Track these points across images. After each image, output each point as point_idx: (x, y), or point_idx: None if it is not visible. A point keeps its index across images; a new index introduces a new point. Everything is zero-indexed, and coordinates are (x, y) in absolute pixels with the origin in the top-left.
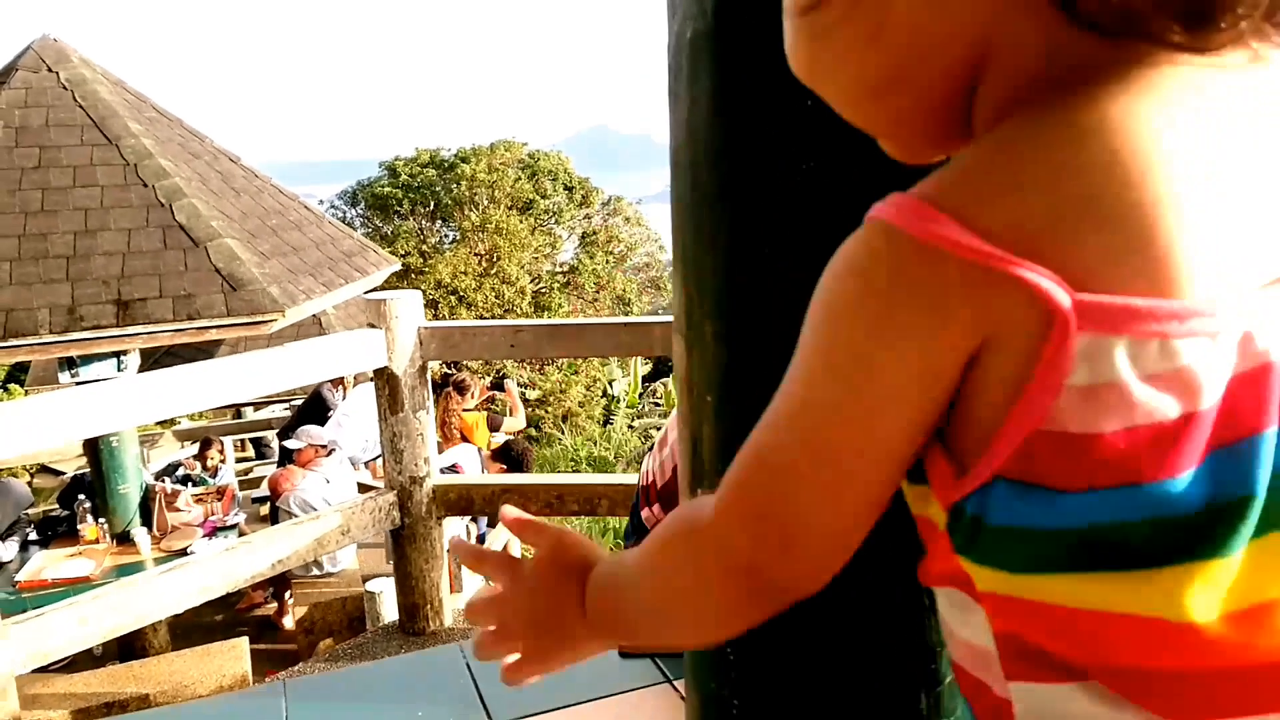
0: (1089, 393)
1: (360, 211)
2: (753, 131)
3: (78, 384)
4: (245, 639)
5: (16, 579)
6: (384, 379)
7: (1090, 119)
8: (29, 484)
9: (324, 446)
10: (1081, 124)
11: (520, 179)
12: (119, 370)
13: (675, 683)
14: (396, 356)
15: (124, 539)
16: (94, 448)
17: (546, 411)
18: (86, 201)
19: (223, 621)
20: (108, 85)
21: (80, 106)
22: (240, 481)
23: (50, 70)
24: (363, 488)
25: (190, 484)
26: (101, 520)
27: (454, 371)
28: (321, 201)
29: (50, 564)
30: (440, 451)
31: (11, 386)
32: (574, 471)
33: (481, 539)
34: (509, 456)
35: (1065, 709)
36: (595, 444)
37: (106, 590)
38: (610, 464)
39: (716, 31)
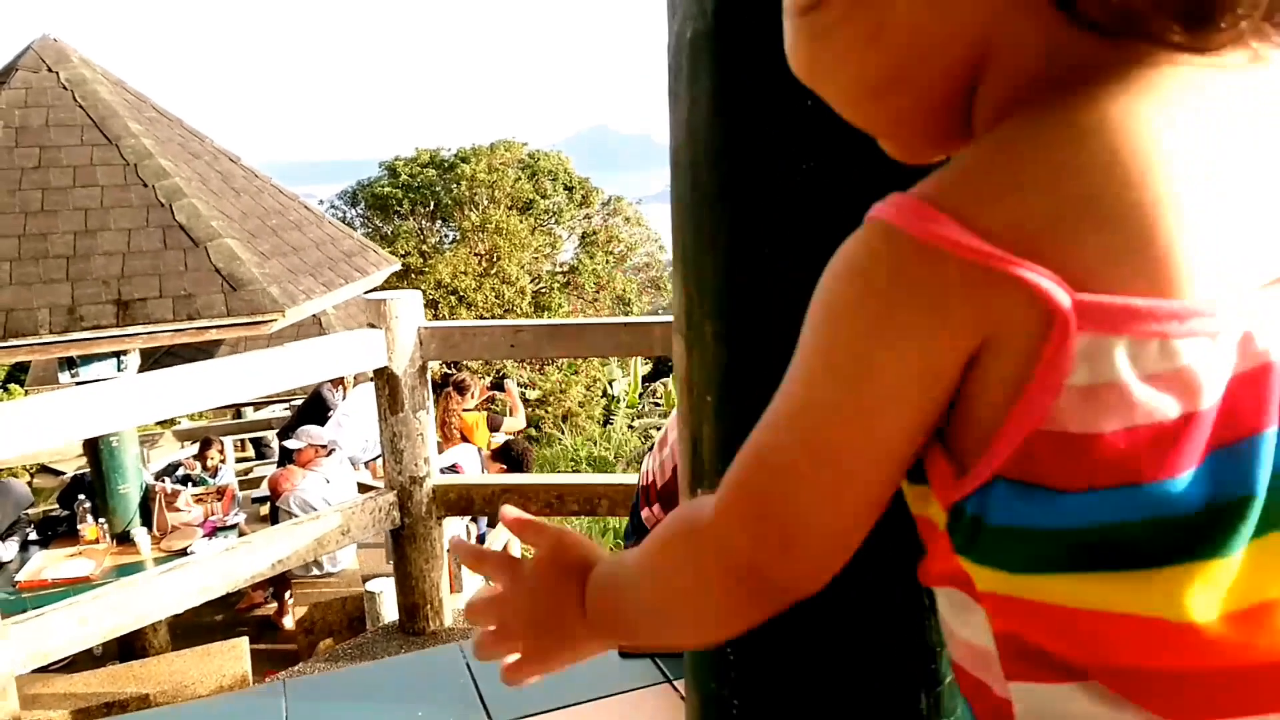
0: (1089, 393)
1: (360, 211)
2: (753, 131)
3: (78, 384)
4: (245, 639)
5: (16, 579)
6: (384, 379)
7: (1090, 119)
8: (29, 484)
9: (324, 446)
10: (1082, 124)
11: (520, 179)
12: (119, 370)
13: (675, 683)
14: (397, 356)
15: (124, 539)
16: (94, 448)
17: (546, 411)
18: (86, 201)
19: (223, 621)
20: (108, 85)
21: (80, 106)
22: (240, 481)
23: (50, 70)
24: (362, 488)
25: (190, 484)
26: (101, 520)
27: (454, 371)
28: (321, 201)
29: (50, 564)
30: (440, 452)
31: (11, 386)
32: (574, 471)
33: (481, 539)
34: (509, 457)
35: (1065, 709)
36: (595, 444)
37: (107, 590)
38: (610, 464)
39: (716, 31)
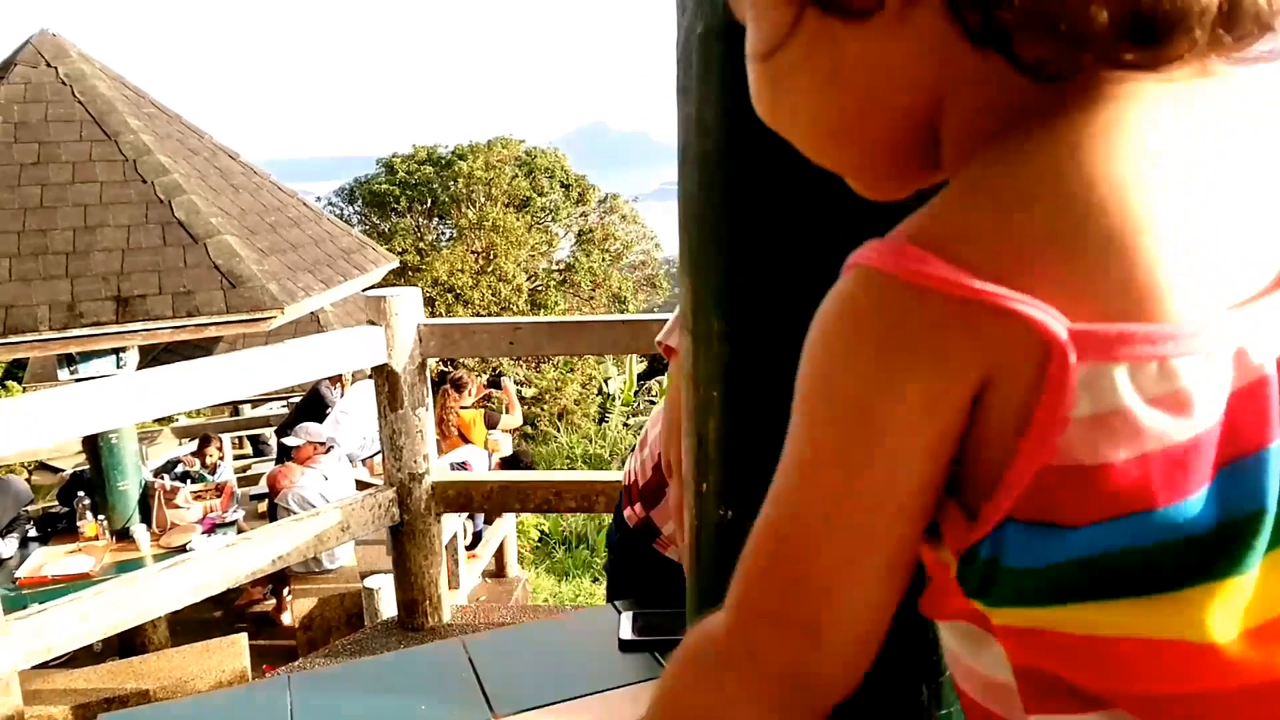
0: (1095, 422)
1: (357, 209)
2: (762, 128)
3: (77, 381)
4: (244, 635)
5: (16, 576)
6: (383, 376)
7: (1060, 151)
8: (27, 481)
9: (322, 444)
10: (1052, 156)
11: (517, 176)
12: (118, 367)
13: None
14: (396, 353)
15: (123, 536)
16: (93, 445)
17: (542, 409)
18: (86, 198)
19: (222, 618)
20: (106, 80)
21: (79, 102)
22: (238, 479)
23: (49, 65)
24: (360, 485)
25: (189, 481)
26: (101, 517)
27: (451, 369)
28: (319, 199)
29: (50, 561)
30: (440, 451)
31: (9, 384)
32: (570, 469)
33: (478, 536)
34: (517, 466)
35: None
36: (591, 441)
37: (108, 586)
38: (606, 461)
39: (727, 28)
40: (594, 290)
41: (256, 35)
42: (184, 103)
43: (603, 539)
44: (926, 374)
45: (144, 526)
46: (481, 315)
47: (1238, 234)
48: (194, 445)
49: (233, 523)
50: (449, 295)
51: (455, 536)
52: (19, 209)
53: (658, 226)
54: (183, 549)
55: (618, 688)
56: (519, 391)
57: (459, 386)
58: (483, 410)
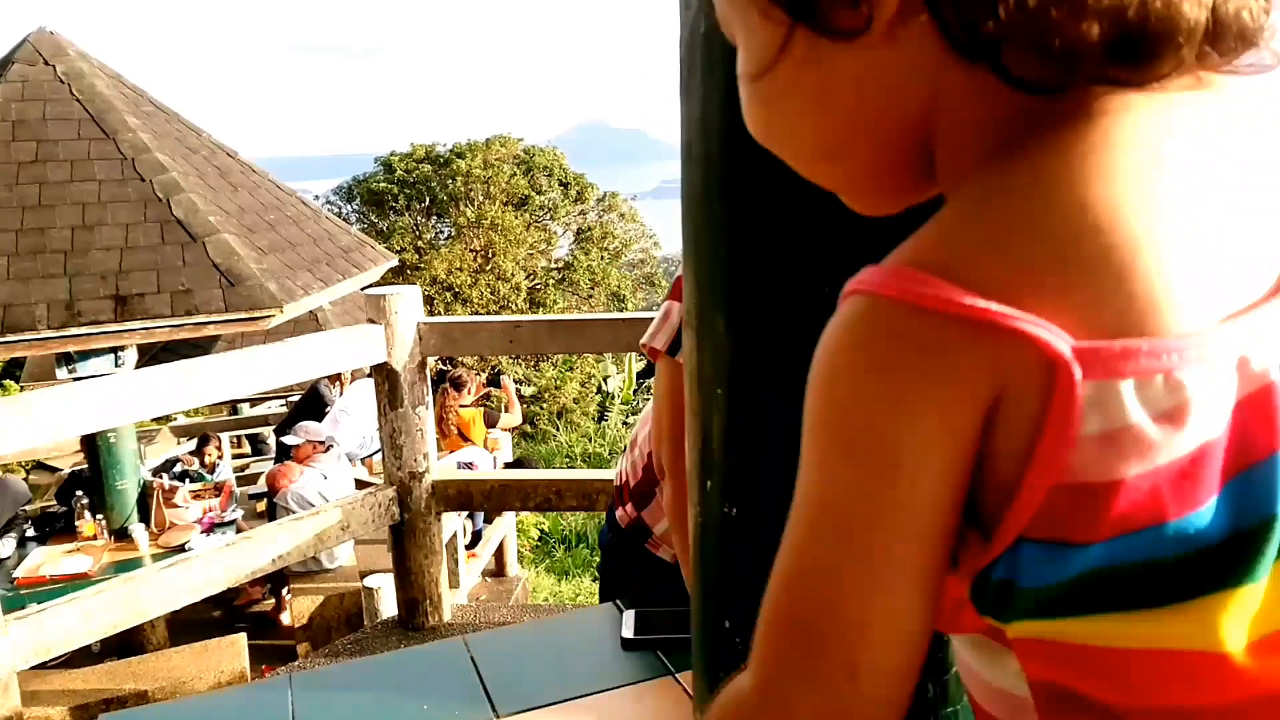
0: (1104, 440)
1: (356, 207)
2: None
3: (75, 380)
4: (243, 635)
5: (14, 576)
6: (383, 374)
7: (1056, 170)
8: (25, 480)
9: (322, 443)
10: (1048, 176)
11: (515, 175)
12: (116, 366)
13: (678, 675)
14: (396, 352)
15: (122, 535)
16: (92, 444)
17: (542, 408)
18: (84, 196)
19: (221, 618)
20: (105, 79)
21: (77, 100)
22: (237, 478)
23: (47, 63)
24: (359, 484)
25: (188, 480)
26: (99, 516)
27: (450, 368)
28: (317, 197)
29: (48, 560)
30: (439, 449)
31: (7, 383)
32: (569, 468)
33: (478, 535)
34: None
35: None
36: (590, 440)
37: (108, 585)
38: (605, 460)
39: None
40: (593, 289)
41: (255, 33)
42: (182, 101)
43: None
44: (938, 395)
45: (142, 526)
46: (480, 314)
47: (1234, 241)
48: (192, 444)
49: (231, 522)
50: (447, 294)
51: (455, 536)
52: (17, 207)
53: (656, 225)
54: (181, 548)
55: (621, 687)
56: (518, 390)
57: (458, 385)
58: (482, 409)
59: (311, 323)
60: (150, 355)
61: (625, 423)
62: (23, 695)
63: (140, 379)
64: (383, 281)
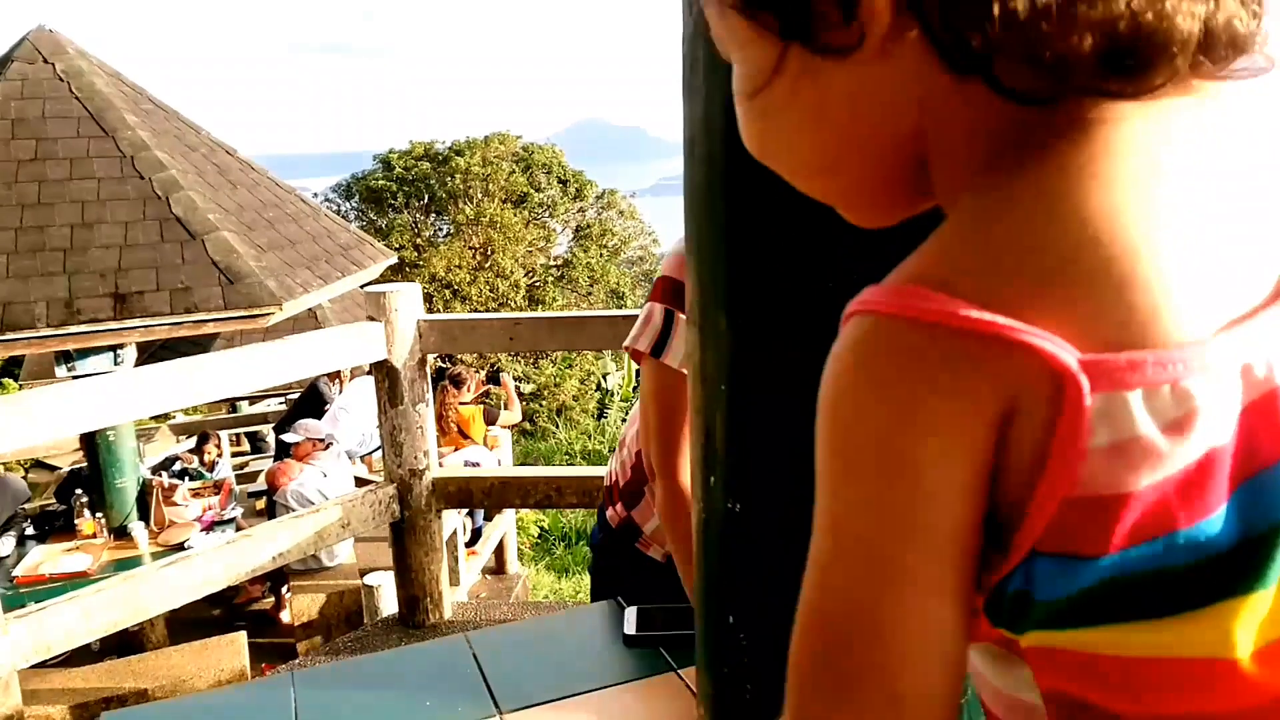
0: (1114, 452)
1: (354, 205)
2: None
3: (74, 378)
4: (243, 633)
5: (14, 574)
6: (383, 372)
7: (1053, 183)
8: (24, 479)
9: (321, 440)
10: (1046, 189)
11: (514, 172)
12: (115, 364)
13: (680, 671)
14: (396, 349)
15: (121, 533)
16: (91, 442)
17: (541, 405)
18: (83, 194)
19: (220, 616)
20: (104, 77)
21: (76, 98)
22: (236, 476)
23: (46, 62)
24: (359, 481)
25: (187, 478)
26: (99, 515)
27: (449, 366)
28: (315, 194)
29: (48, 559)
30: (439, 445)
31: (6, 381)
32: (569, 465)
33: (478, 533)
34: None
35: None
36: (590, 437)
37: (109, 584)
38: (605, 457)
39: None
40: (592, 286)
41: (254, 32)
42: (181, 99)
43: None
44: (952, 410)
45: (142, 524)
46: (479, 311)
47: (1234, 247)
48: (191, 443)
49: (231, 520)
50: (446, 291)
51: (455, 533)
52: (16, 205)
53: (655, 222)
54: (181, 547)
55: (623, 683)
56: (517, 387)
57: (458, 383)
58: (482, 406)
59: (310, 320)
60: (149, 353)
61: (624, 420)
62: (22, 694)
63: (139, 377)
64: (382, 279)
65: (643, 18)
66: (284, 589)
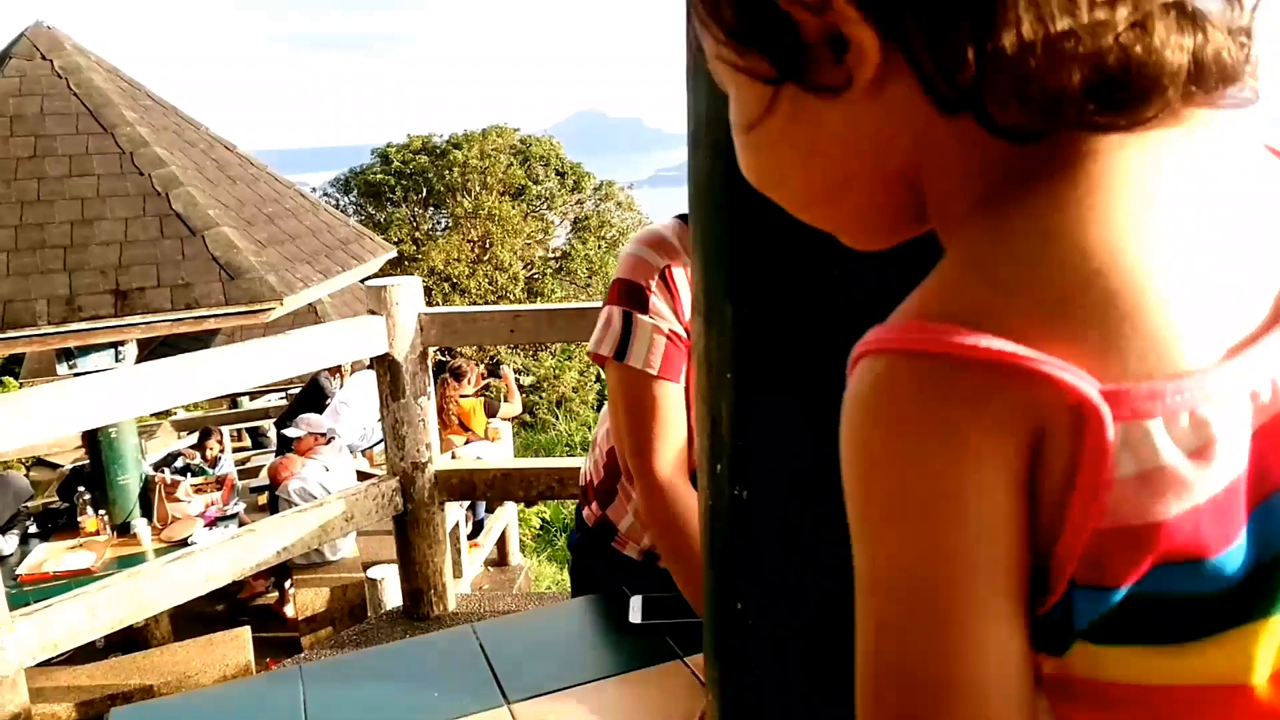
0: (1140, 482)
1: (353, 199)
2: None
3: (75, 375)
4: (247, 628)
5: (17, 572)
6: (385, 365)
7: (1054, 218)
8: (25, 477)
9: (323, 435)
10: (1046, 224)
11: (512, 165)
12: (117, 361)
13: (687, 659)
14: (398, 343)
15: (124, 530)
16: (93, 439)
17: (541, 397)
18: (83, 191)
19: (224, 611)
20: (102, 73)
21: (75, 95)
22: (238, 471)
23: (44, 58)
24: (361, 475)
25: (190, 474)
26: (102, 512)
27: (449, 359)
28: (314, 189)
29: (51, 557)
30: (440, 439)
31: (6, 379)
32: (570, 456)
33: (480, 525)
34: None
35: None
36: (590, 429)
37: (113, 581)
38: None
39: None
40: (590, 277)
41: (250, 27)
42: (179, 95)
43: None
44: (989, 440)
45: (145, 521)
46: (478, 304)
47: (1230, 274)
48: (193, 439)
49: (234, 515)
50: (445, 284)
51: (457, 526)
52: (15, 203)
53: (653, 213)
54: (184, 543)
55: (630, 671)
56: (517, 379)
57: (458, 375)
58: (482, 399)
59: (310, 315)
60: (150, 350)
61: None
62: (29, 692)
63: (140, 374)
64: (381, 273)
65: (639, 8)
66: (287, 583)
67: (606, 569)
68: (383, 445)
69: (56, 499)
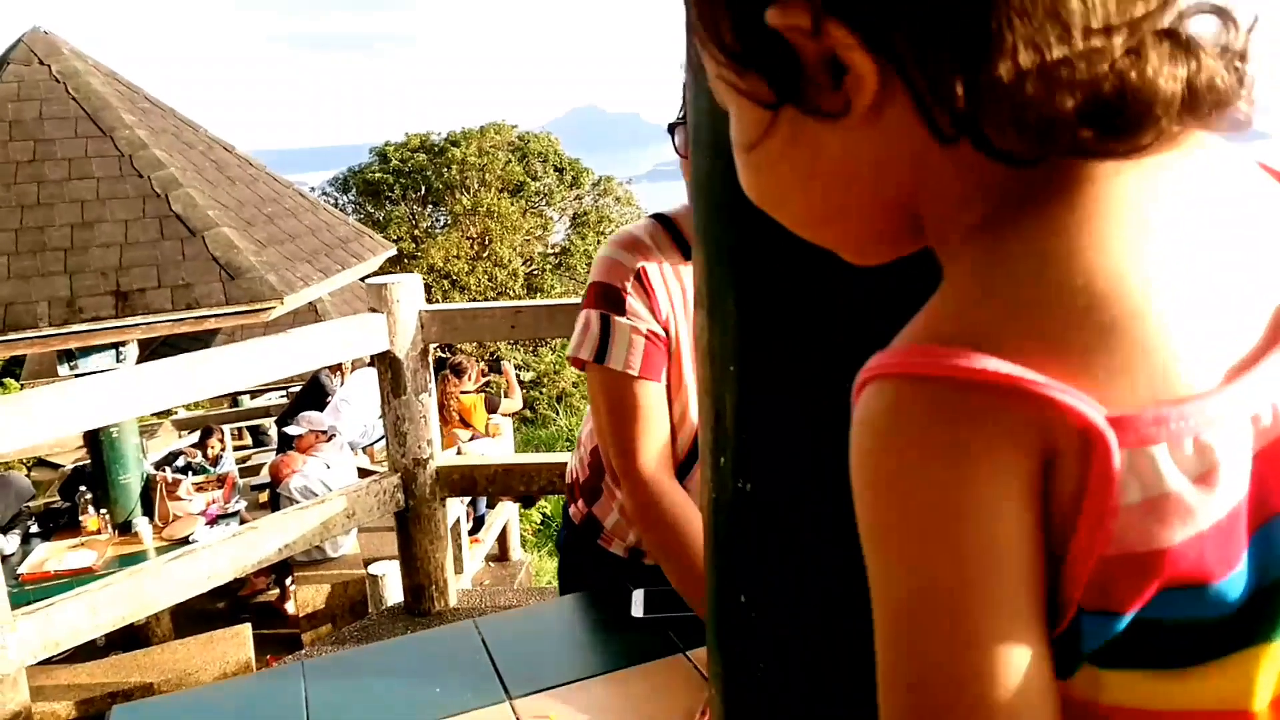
0: (1146, 508)
1: (352, 198)
2: None
3: (77, 376)
4: (248, 625)
5: (19, 572)
6: (386, 363)
7: (1053, 244)
8: (27, 477)
9: (324, 432)
10: (1044, 249)
11: (510, 161)
12: (118, 361)
13: (689, 653)
14: (399, 340)
15: (126, 529)
16: (94, 439)
17: (541, 393)
18: (83, 194)
19: (225, 609)
20: (100, 76)
21: (73, 99)
22: (239, 469)
23: (42, 63)
24: (362, 472)
25: (191, 473)
26: (103, 511)
27: (449, 355)
28: (313, 189)
29: (53, 556)
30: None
31: (7, 381)
32: (570, 452)
33: (480, 521)
34: None
35: None
36: None
37: (115, 579)
38: None
39: None
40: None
41: (247, 28)
42: (177, 97)
43: None
44: (1001, 457)
45: (146, 519)
46: (478, 301)
47: (1226, 298)
48: (194, 437)
49: (235, 513)
50: (445, 282)
51: (458, 522)
52: (16, 207)
53: (652, 208)
54: (185, 541)
55: (632, 665)
56: (518, 375)
57: (459, 372)
58: (483, 395)
59: (310, 314)
60: (150, 350)
61: None
62: (29, 690)
63: (141, 374)
64: (380, 271)
65: (636, 3)
66: (288, 580)
67: (592, 566)
68: (384, 442)
69: (58, 499)
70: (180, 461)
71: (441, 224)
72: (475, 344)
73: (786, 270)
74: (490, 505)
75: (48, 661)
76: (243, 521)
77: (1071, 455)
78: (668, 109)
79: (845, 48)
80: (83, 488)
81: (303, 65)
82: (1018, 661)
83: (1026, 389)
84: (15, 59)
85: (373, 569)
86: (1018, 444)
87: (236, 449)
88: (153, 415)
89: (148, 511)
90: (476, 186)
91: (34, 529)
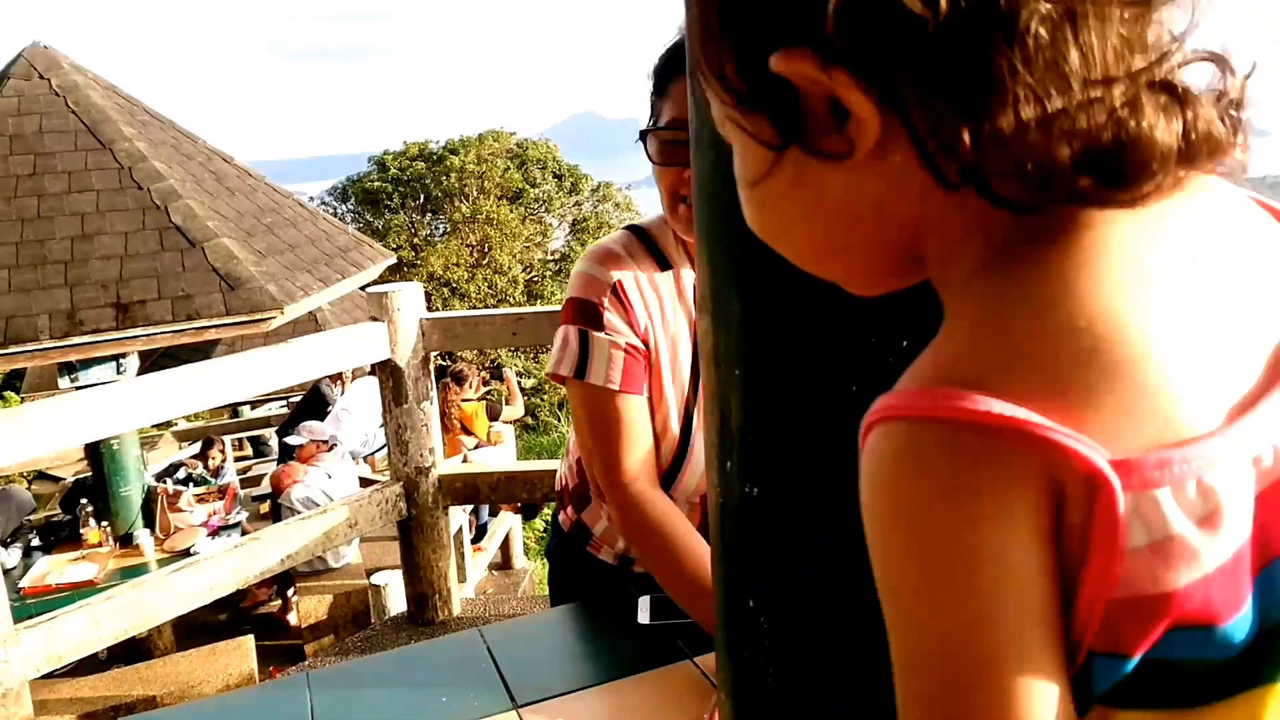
0: (1152, 552)
1: (351, 207)
2: None
3: (78, 389)
4: (251, 637)
5: (21, 585)
6: (387, 371)
7: (1054, 288)
8: (27, 490)
9: (325, 442)
10: (1043, 293)
11: (509, 169)
12: (118, 373)
13: (696, 660)
14: (400, 349)
15: (127, 541)
16: (95, 451)
17: (543, 400)
18: (83, 206)
19: (227, 620)
20: (99, 90)
21: (73, 112)
22: (240, 480)
23: (42, 78)
24: (364, 482)
25: (192, 484)
26: (104, 523)
27: (450, 363)
28: (312, 198)
29: (54, 569)
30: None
31: (7, 394)
32: None
33: (483, 529)
34: None
35: None
36: None
37: (117, 592)
38: None
39: None
40: None
41: (244, 39)
42: (176, 109)
43: None
44: (1018, 502)
45: (147, 531)
46: (479, 308)
47: (1221, 341)
48: (194, 449)
49: (236, 524)
50: (445, 289)
51: (460, 530)
52: (16, 220)
53: (651, 213)
54: (187, 553)
55: (638, 673)
56: (519, 382)
57: (460, 380)
58: (484, 403)
59: (310, 323)
60: (151, 361)
61: None
62: (32, 705)
63: (142, 385)
64: (380, 280)
65: (631, 9)
66: (290, 591)
67: (582, 572)
68: (385, 451)
69: (59, 511)
70: (181, 473)
71: (441, 232)
72: (476, 351)
73: (791, 272)
74: (493, 513)
75: (50, 675)
76: (244, 532)
77: (1078, 499)
78: None
79: (848, 92)
80: (84, 500)
81: (302, 74)
82: (1045, 700)
83: (1031, 432)
84: (15, 73)
85: (375, 579)
86: (1026, 485)
87: (237, 460)
88: (153, 427)
89: (149, 523)
90: (475, 194)
91: (35, 542)
